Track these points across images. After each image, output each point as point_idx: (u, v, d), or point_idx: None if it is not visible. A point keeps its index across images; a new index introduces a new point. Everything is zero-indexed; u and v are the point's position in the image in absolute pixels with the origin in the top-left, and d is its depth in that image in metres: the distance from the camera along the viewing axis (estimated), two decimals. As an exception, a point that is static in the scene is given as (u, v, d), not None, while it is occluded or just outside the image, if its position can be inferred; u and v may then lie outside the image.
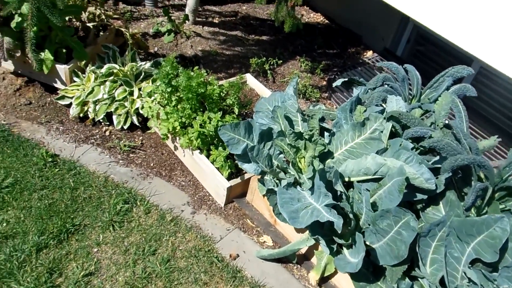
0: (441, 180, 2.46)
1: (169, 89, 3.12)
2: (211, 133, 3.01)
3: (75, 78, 3.51)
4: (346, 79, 3.30)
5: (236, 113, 3.38)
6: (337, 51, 5.37)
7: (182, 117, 3.08)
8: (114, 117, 3.41)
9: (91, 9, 3.82)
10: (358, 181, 2.69)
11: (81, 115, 3.44)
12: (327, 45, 5.40)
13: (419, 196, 2.48)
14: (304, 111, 3.29)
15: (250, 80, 4.05)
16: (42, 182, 2.95)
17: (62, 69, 3.44)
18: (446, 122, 2.74)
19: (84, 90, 3.45)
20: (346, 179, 2.71)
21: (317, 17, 6.09)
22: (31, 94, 3.55)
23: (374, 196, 2.54)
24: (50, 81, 3.58)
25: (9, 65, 3.57)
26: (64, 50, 3.50)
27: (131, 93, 3.46)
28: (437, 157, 2.57)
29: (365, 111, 2.90)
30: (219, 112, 3.06)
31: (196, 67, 3.62)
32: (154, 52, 4.22)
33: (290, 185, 2.67)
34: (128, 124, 3.44)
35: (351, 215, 2.50)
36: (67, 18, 3.89)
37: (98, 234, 2.74)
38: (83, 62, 3.50)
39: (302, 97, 4.32)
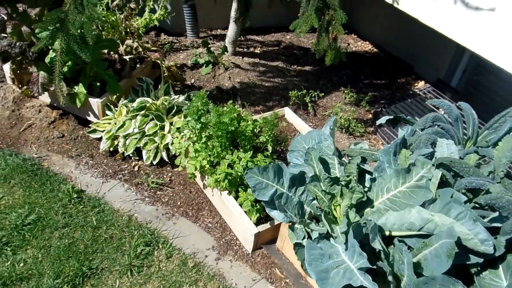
0: (500, 241, 2.09)
1: (198, 126, 2.97)
2: (239, 174, 2.79)
3: (107, 112, 3.46)
4: (392, 117, 3.00)
5: (270, 151, 3.16)
6: (385, 81, 5.05)
7: (210, 155, 2.90)
8: (143, 152, 3.30)
9: (128, 42, 3.80)
10: (401, 236, 2.36)
11: (111, 149, 3.36)
12: (375, 75, 5.09)
13: (473, 259, 2.11)
14: (343, 150, 3.01)
15: (289, 114, 3.82)
16: (65, 220, 2.85)
17: (95, 102, 3.40)
18: (507, 171, 2.36)
19: (115, 124, 3.38)
20: (387, 233, 2.39)
21: (365, 46, 5.81)
22: (65, 127, 3.54)
23: (418, 255, 2.20)
24: (84, 114, 3.55)
25: (46, 98, 3.59)
26: (98, 84, 3.46)
27: (162, 128, 3.34)
28: (496, 213, 2.20)
29: (411, 154, 2.58)
30: (249, 152, 2.85)
31: (230, 102, 3.46)
32: (191, 84, 4.13)
33: (322, 237, 2.38)
34: (157, 159, 3.31)
35: (390, 277, 2.17)
36: (105, 51, 3.89)
37: (114, 279, 2.58)
38: (114, 97, 3.44)
39: (345, 132, 4.03)
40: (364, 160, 2.94)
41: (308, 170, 2.58)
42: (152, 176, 3.28)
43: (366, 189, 2.65)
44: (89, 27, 2.72)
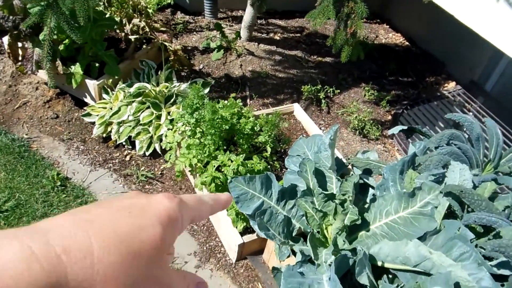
0: (507, 293, 1.81)
1: (193, 120, 2.74)
2: (230, 177, 2.56)
3: (104, 95, 3.28)
4: (406, 127, 2.68)
5: (269, 153, 2.92)
6: (413, 79, 4.66)
7: (202, 154, 2.68)
8: (136, 141, 3.11)
9: (135, 20, 3.58)
10: (394, 269, 2.10)
11: (104, 135, 3.19)
12: (402, 72, 4.70)
13: (472, 310, 1.84)
14: (349, 158, 2.74)
15: (298, 111, 3.55)
16: (44, 209, 2.72)
17: (92, 84, 3.22)
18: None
19: (111, 109, 3.20)
20: (379, 263, 2.13)
21: (396, 38, 5.38)
22: (60, 107, 3.39)
23: (410, 296, 1.94)
24: (80, 95, 3.39)
25: (44, 75, 3.43)
26: (97, 64, 3.27)
27: (159, 117, 3.14)
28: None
29: (419, 175, 2.28)
30: (242, 155, 2.62)
31: (233, 95, 3.22)
32: (199, 69, 3.89)
33: (306, 261, 2.15)
34: (151, 150, 3.12)
35: (375, 318, 1.93)
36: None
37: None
38: (110, 80, 3.24)
39: (359, 134, 3.72)
40: (369, 172, 2.66)
41: (301, 182, 2.33)
42: (143, 168, 3.10)
43: (367, 206, 2.39)
44: (82, 5, 2.51)
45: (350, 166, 2.79)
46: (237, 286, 2.54)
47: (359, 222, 2.18)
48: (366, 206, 2.55)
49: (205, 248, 2.70)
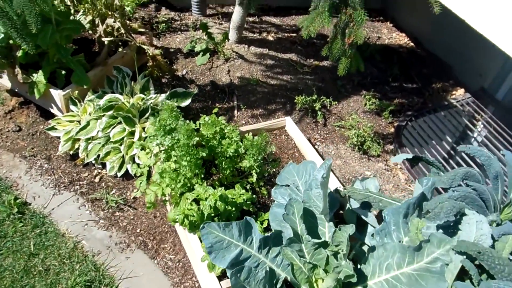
0: None
1: (167, 142, 2.39)
2: (207, 213, 2.21)
3: (72, 107, 2.91)
4: (411, 157, 2.33)
5: (255, 179, 2.57)
6: (418, 85, 4.29)
7: (176, 182, 2.33)
8: (106, 162, 2.76)
9: (110, 20, 3.19)
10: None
11: (71, 152, 2.84)
12: (406, 77, 4.33)
13: None
14: (345, 189, 2.39)
15: (290, 126, 3.19)
16: (-4, 243, 2.39)
17: (57, 94, 2.85)
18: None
19: (79, 122, 2.84)
20: (378, 330, 1.81)
21: (400, 38, 4.99)
22: (24, 119, 3.02)
23: None
24: (46, 105, 3.03)
25: (6, 81, 3.07)
26: (63, 72, 2.90)
27: (132, 133, 2.78)
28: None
29: (428, 222, 1.94)
30: (220, 188, 2.26)
31: (216, 110, 2.86)
32: (182, 75, 3.51)
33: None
34: (123, 171, 2.77)
35: None
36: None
37: (37, 331, 2.12)
38: (76, 92, 2.87)
39: (358, 150, 3.37)
40: (368, 206, 2.32)
41: (286, 230, 1.98)
42: (113, 191, 2.76)
43: (364, 254, 2.05)
44: (32, 10, 2.13)
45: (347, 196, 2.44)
46: (213, 338, 2.22)
47: (354, 280, 1.84)
48: (364, 249, 2.22)
49: (179, 289, 2.37)
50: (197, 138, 2.32)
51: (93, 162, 2.80)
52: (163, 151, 2.51)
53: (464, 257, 1.69)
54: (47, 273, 2.33)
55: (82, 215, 2.61)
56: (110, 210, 2.66)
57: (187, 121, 2.47)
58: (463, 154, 3.50)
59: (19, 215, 2.53)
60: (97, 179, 2.80)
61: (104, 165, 2.82)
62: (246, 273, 1.76)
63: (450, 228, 1.91)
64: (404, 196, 3.12)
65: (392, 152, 3.51)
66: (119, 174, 2.77)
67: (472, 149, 2.09)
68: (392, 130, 3.74)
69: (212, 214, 2.25)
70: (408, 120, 3.83)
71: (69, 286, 2.26)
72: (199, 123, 2.69)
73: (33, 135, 2.96)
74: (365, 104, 3.79)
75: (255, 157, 2.50)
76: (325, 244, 1.97)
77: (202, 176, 2.42)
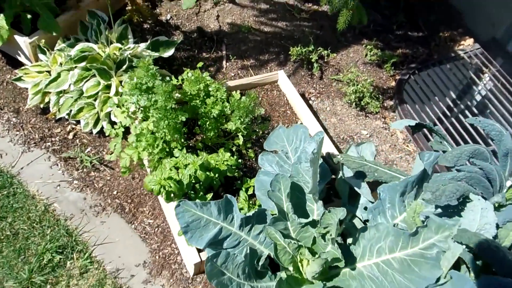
0: None
1: (143, 102, 2.15)
2: (187, 182, 2.02)
3: (41, 55, 2.63)
4: (413, 123, 2.10)
5: (241, 142, 2.36)
6: (424, 34, 3.96)
7: (154, 149, 2.13)
8: (80, 119, 2.53)
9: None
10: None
11: (41, 106, 2.60)
12: (412, 24, 3.98)
13: None
14: (338, 155, 2.19)
15: (282, 80, 2.92)
16: (-41, 205, 2.22)
17: (23, 42, 2.56)
18: None
19: (49, 73, 2.57)
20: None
21: (408, -20, 4.56)
22: (-11, 67, 2.75)
23: None
24: (13, 52, 2.74)
25: (-33, 24, 2.74)
26: (29, 16, 2.59)
27: (108, 87, 2.53)
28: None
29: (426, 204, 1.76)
30: (202, 155, 2.05)
31: (200, 64, 2.58)
32: (165, 21, 3.18)
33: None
34: (99, 127, 2.55)
35: None
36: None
37: (4, 301, 2.00)
38: (43, 39, 2.57)
39: (355, 106, 3.13)
40: (363, 175, 2.14)
41: (270, 206, 1.80)
42: (89, 149, 2.55)
43: (355, 235, 1.90)
44: None
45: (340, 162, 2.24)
46: (192, 309, 2.12)
47: (342, 264, 1.69)
48: (356, 223, 2.07)
49: (157, 256, 2.24)
50: (177, 98, 2.08)
51: (66, 117, 2.57)
52: (140, 110, 2.28)
53: (464, 247, 1.53)
54: (16, 237, 2.18)
55: (54, 175, 2.43)
56: (84, 170, 2.47)
57: (167, 79, 2.22)
58: (467, 112, 3.29)
59: (-15, 175, 2.34)
60: (70, 136, 2.59)
61: (78, 121, 2.59)
62: (223, 258, 1.60)
63: (451, 208, 1.74)
64: (400, 157, 2.94)
65: (392, 108, 3.27)
66: (94, 131, 2.55)
67: (483, 123, 1.86)
68: (393, 84, 3.48)
69: (193, 182, 2.06)
70: (411, 73, 3.55)
71: (39, 252, 2.13)
72: (182, 79, 2.44)
73: (0, 85, 2.71)
74: (366, 55, 3.50)
75: (242, 119, 2.28)
76: (313, 223, 1.80)
77: (183, 140, 2.21)
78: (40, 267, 2.10)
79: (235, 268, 1.64)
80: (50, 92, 2.54)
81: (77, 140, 2.58)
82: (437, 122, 3.16)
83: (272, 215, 1.83)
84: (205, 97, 2.36)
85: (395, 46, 3.72)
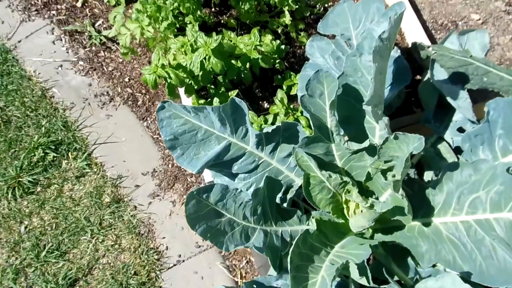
0: None
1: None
2: (197, 72, 1.43)
3: None
4: None
5: (288, 19, 1.67)
6: None
7: (160, 20, 1.52)
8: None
9: None
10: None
11: (46, -38, 2.05)
12: None
13: None
14: (427, 48, 1.46)
15: None
16: None
17: None
18: None
19: None
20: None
21: None
22: None
23: None
24: None
25: None
26: None
27: None
28: None
29: None
30: (228, 34, 1.41)
31: None
32: None
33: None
34: (113, -6, 1.97)
35: None
36: None
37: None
38: None
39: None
40: (464, 79, 1.42)
41: (310, 117, 1.14)
42: (100, 22, 2.01)
43: (443, 144, 1.27)
44: None
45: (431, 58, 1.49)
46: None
47: (408, 221, 1.07)
48: (441, 150, 1.41)
49: (170, 165, 1.77)
50: None
51: (75, -23, 2.01)
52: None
53: None
54: (7, 126, 1.81)
55: (56, 53, 1.95)
56: (93, 48, 1.96)
57: None
58: None
59: (-23, 47, 1.93)
60: (79, 3, 2.04)
61: (89, -16, 2.02)
62: (218, 193, 1.05)
63: None
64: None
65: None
66: (109, -1, 1.98)
67: None
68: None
69: (214, 72, 1.45)
70: None
71: (31, 147, 1.75)
72: None
73: None
74: None
75: (290, -15, 1.55)
76: (371, 150, 1.15)
77: (199, 13, 1.56)
78: (31, 164, 1.73)
79: (239, 208, 1.09)
80: None
81: (87, 10, 2.04)
82: None
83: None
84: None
85: None
